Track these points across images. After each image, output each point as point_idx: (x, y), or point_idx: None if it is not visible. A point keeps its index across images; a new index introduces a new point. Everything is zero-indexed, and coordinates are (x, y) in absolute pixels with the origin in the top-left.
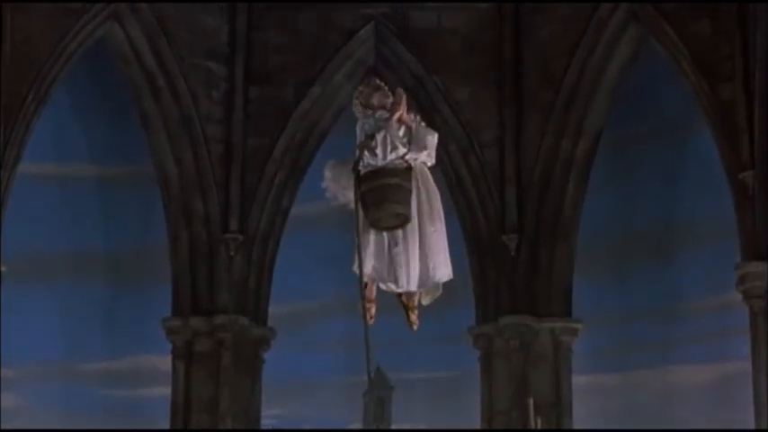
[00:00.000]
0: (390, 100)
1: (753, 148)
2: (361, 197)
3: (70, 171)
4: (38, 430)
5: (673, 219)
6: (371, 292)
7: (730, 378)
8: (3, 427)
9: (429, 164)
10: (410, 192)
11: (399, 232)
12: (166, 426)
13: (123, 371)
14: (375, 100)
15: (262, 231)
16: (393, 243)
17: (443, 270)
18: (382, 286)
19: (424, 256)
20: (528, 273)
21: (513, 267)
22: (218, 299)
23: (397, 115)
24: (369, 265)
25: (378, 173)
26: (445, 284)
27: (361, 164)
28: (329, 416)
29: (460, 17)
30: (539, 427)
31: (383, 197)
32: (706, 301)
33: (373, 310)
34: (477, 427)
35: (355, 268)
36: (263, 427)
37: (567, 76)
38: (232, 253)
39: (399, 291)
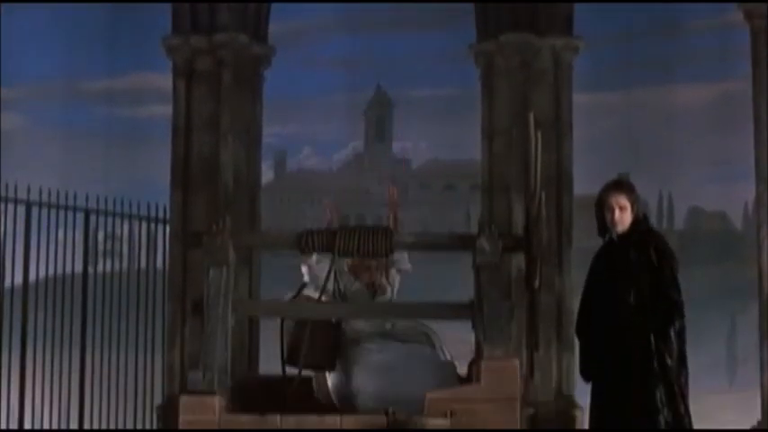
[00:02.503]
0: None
1: None
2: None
3: None
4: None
5: None
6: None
7: (730, 97)
8: (3, 147)
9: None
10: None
11: None
12: (167, 143)
13: (124, 90)
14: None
15: None
16: None
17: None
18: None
19: None
20: None
21: None
22: (219, 17)
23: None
24: None
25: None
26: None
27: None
28: (330, 134)
29: None
30: (539, 143)
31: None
32: (707, 21)
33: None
34: (479, 142)
35: None
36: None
37: None
38: None
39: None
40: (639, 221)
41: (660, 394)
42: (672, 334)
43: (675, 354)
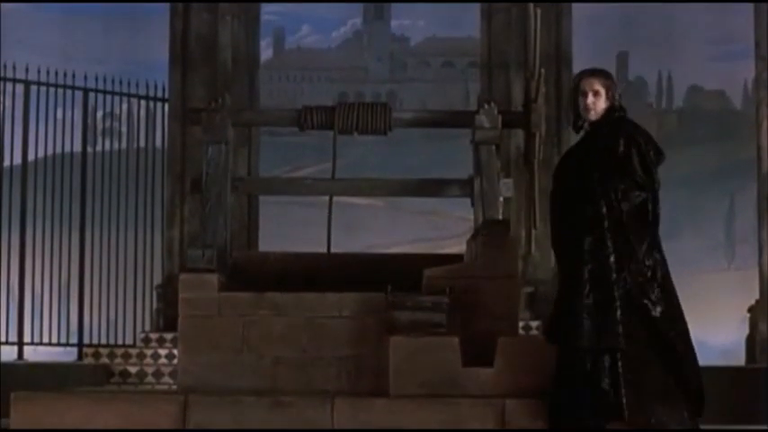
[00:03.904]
0: None
1: None
2: None
3: None
4: None
5: None
6: None
7: None
8: (3, 26)
9: None
10: None
11: None
12: (167, 23)
13: None
14: None
15: None
16: None
17: None
18: None
19: None
20: None
21: None
22: None
23: None
24: None
25: None
26: None
27: None
28: (328, 11)
29: None
30: (538, 20)
31: None
32: None
33: None
34: (478, 20)
35: None
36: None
37: None
38: None
39: None
40: (614, 109)
41: (589, 211)
42: (618, 189)
43: (627, 206)
